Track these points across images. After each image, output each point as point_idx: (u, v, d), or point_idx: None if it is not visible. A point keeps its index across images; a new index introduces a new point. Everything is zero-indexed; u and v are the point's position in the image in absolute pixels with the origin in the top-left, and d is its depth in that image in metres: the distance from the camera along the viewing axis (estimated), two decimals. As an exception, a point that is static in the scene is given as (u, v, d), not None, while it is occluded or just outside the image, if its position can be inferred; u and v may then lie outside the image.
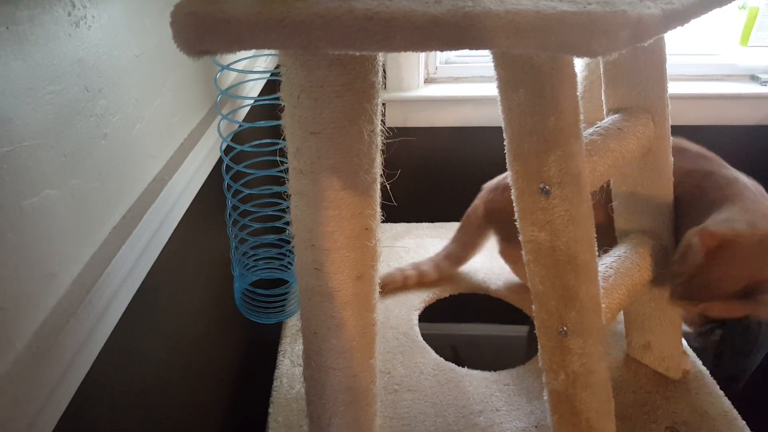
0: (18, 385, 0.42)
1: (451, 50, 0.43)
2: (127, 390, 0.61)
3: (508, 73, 0.60)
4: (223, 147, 0.86)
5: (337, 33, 0.42)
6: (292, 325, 1.12)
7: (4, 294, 0.42)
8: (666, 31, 0.46)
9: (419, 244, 1.36)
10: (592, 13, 0.42)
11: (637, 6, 0.43)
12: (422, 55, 1.44)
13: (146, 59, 0.65)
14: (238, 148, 0.89)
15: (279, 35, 0.42)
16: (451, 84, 1.49)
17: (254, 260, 1.02)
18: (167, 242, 0.66)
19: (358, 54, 0.52)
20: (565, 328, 0.72)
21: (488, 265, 1.27)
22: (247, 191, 0.90)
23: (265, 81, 1.11)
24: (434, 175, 1.53)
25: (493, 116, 1.38)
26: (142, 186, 0.64)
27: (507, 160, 0.66)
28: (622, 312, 1.02)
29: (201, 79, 0.84)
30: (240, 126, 0.92)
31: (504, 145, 0.66)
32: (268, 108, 1.08)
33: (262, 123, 0.96)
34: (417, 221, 1.44)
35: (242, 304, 1.01)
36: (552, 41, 0.42)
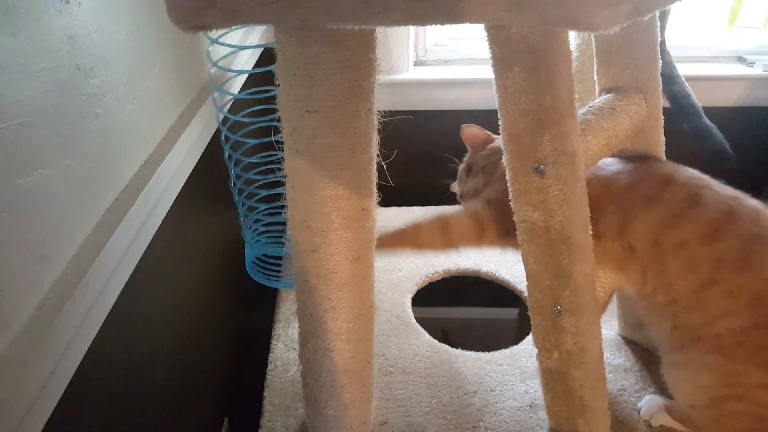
0: (16, 367, 0.41)
1: (451, 24, 0.43)
2: (124, 373, 0.60)
3: (504, 51, 0.59)
4: (221, 118, 0.87)
5: (336, 6, 0.41)
6: (285, 309, 1.11)
7: (1, 274, 0.41)
8: (665, 6, 0.46)
9: (410, 227, 1.36)
10: (593, -14, 0.42)
11: (637, -20, 0.43)
12: (412, 37, 1.42)
13: (136, 38, 0.64)
14: (233, 118, 0.89)
15: (277, 8, 0.42)
16: (440, 66, 1.48)
17: (263, 225, 1.04)
18: (161, 224, 0.66)
19: (356, 29, 0.51)
20: (558, 307, 0.72)
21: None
22: (248, 160, 0.91)
23: (261, 51, 1.10)
24: (423, 159, 1.52)
25: (484, 99, 1.38)
26: (135, 167, 0.63)
27: (501, 141, 0.66)
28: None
29: (190, 60, 0.82)
30: (234, 97, 0.92)
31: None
32: (263, 78, 1.09)
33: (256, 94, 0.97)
34: (407, 205, 1.44)
35: (253, 271, 1.03)
36: (554, 14, 0.42)
